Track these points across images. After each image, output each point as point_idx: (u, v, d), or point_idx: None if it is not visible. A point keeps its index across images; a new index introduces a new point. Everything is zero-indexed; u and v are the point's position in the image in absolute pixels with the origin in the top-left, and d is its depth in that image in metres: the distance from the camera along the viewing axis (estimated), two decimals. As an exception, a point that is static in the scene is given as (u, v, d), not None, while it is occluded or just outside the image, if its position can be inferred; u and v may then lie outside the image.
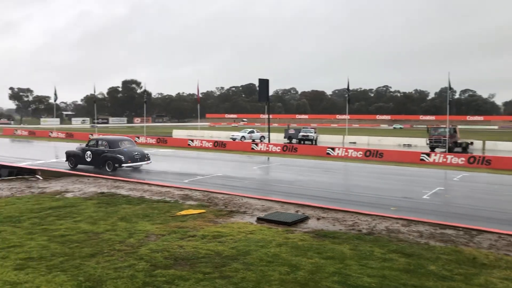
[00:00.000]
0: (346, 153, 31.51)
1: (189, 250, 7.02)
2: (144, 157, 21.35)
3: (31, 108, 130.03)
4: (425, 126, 49.14)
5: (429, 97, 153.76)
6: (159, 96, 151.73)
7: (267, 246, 7.38)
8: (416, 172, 23.01)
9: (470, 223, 9.95)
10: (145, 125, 61.25)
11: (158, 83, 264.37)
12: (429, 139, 36.42)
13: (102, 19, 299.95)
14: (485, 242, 8.39)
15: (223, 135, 54.17)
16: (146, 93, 65.69)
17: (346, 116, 49.04)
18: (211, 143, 38.63)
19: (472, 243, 8.31)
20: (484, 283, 6.12)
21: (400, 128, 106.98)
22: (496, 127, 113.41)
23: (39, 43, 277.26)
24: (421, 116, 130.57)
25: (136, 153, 21.16)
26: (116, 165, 20.15)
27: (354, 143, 45.98)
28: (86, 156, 20.96)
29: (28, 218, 9.12)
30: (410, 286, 5.89)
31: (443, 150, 33.86)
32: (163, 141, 41.67)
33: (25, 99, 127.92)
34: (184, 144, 40.00)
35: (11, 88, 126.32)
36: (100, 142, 21.40)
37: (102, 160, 20.46)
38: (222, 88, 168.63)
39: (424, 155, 28.87)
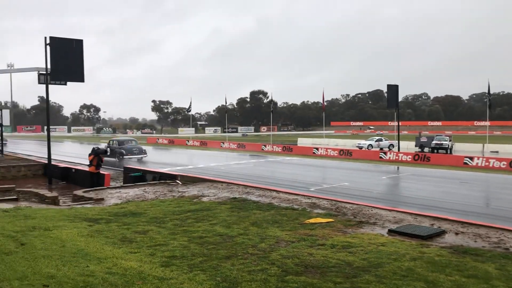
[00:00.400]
0: (487, 163, 28.80)
1: (319, 258, 7.02)
2: (142, 152, 31.38)
3: (170, 119, 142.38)
4: None
5: None
6: (285, 105, 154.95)
7: (400, 260, 7.05)
8: None
9: None
10: (271, 134, 63.10)
11: (284, 92, 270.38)
12: None
13: (232, 35, 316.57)
14: None
15: (349, 144, 53.33)
16: (272, 102, 67.52)
17: (486, 123, 44.92)
18: (336, 152, 38.29)
19: None
20: None
21: None
22: None
23: (176, 59, 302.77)
24: None
25: (135, 149, 31.19)
26: (121, 156, 29.89)
27: (496, 152, 41.79)
28: (107, 151, 30.42)
29: (171, 220, 9.96)
30: None
31: None
32: (289, 149, 42.43)
33: (165, 110, 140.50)
34: (309, 152, 40.27)
35: (153, 101, 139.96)
36: (114, 142, 32.47)
37: (114, 153, 30.02)
38: (348, 95, 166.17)
39: None
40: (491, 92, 40.67)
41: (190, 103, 58.47)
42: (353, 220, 10.16)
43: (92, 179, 17.47)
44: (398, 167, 28.30)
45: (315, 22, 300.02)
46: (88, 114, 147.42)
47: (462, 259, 7.21)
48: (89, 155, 17.82)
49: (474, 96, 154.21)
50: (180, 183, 16.41)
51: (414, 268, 6.63)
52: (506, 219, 11.67)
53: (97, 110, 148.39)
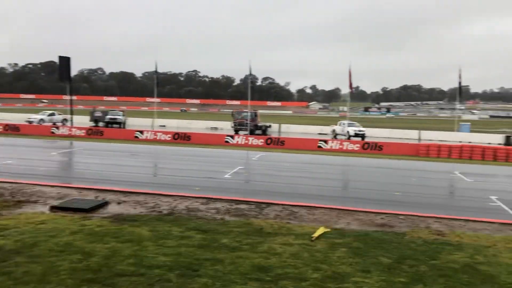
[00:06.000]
0: (155, 136, 31.43)
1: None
2: None
3: None
4: (231, 110, 52.21)
5: (235, 83, 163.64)
6: None
7: (59, 236, 6.90)
8: (221, 153, 24.32)
9: (263, 197, 11.00)
10: None
11: None
12: (233, 123, 38.76)
13: None
14: (271, 213, 9.40)
15: (18, 118, 48.31)
16: None
17: (156, 99, 48.79)
18: (1, 127, 34.10)
19: (261, 215, 9.21)
20: (267, 249, 6.86)
21: None
22: (290, 112, 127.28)
23: None
24: (228, 100, 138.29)
25: None
26: None
27: (164, 126, 46.11)
28: None
29: None
30: (202, 259, 6.23)
31: (246, 132, 36.49)
32: None
33: None
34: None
35: None
36: None
37: None
38: (16, 64, 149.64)
39: (229, 137, 30.70)
40: (161, 71, 44.46)
41: None
42: (11, 201, 9.29)
43: None
44: (71, 142, 27.54)
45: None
46: None
47: (120, 227, 7.64)
48: None
49: (146, 74, 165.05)
50: None
51: (72, 242, 6.61)
52: (165, 186, 13.02)
53: None
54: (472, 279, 6.02)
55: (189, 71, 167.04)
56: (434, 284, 5.81)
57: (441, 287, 5.74)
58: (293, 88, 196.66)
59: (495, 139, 39.86)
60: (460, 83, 33.20)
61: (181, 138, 30.81)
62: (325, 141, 30.27)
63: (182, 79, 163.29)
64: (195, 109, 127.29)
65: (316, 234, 7.79)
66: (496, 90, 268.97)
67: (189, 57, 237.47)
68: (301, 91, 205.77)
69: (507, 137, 39.54)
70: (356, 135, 36.72)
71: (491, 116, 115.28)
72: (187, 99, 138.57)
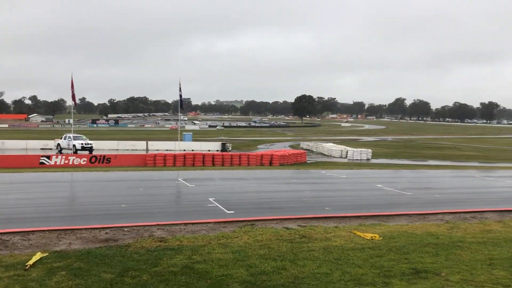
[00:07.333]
0: None
1: None
2: None
3: None
4: None
5: None
6: None
7: None
8: None
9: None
10: None
11: None
12: None
13: None
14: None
15: None
16: None
17: None
18: None
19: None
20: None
21: None
22: (6, 125, 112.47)
23: None
24: None
25: None
26: None
27: None
28: None
29: None
30: None
31: None
32: None
33: None
34: None
35: None
36: None
37: None
38: None
39: None
40: None
41: None
42: None
43: None
44: None
45: None
46: None
47: None
48: None
49: None
50: None
51: None
52: None
53: None
54: (190, 279, 6.48)
55: None
56: (155, 291, 6.00)
57: (162, 292, 5.99)
58: (8, 99, 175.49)
59: (214, 146, 44.81)
60: (181, 96, 35.76)
61: None
62: (49, 157, 27.94)
63: None
64: None
65: (31, 262, 7.02)
66: (213, 103, 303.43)
67: None
68: (18, 102, 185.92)
69: (223, 144, 45.06)
70: (83, 148, 35.24)
71: (210, 126, 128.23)
72: None
